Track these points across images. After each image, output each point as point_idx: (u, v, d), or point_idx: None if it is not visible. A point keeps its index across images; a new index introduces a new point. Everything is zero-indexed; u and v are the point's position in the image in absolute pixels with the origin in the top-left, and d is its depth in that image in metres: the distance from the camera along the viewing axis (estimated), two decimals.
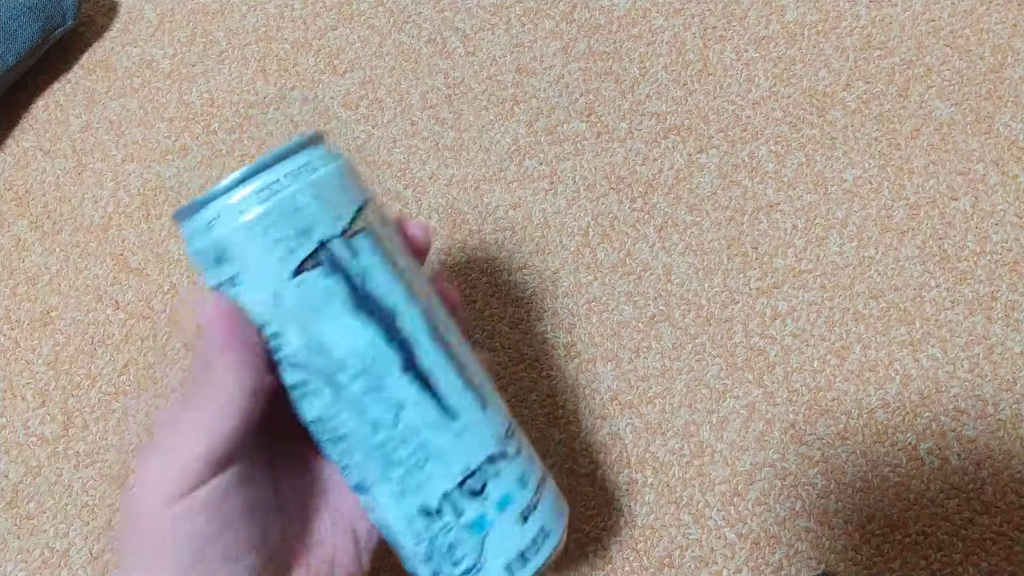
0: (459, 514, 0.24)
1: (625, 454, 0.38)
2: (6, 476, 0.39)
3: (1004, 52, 0.47)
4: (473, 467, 0.24)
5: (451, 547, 0.25)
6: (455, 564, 0.25)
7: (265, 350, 0.23)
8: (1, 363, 0.42)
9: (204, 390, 0.22)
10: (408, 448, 0.24)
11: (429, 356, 0.24)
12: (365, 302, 0.23)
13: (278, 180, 0.23)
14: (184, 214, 0.23)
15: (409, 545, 0.25)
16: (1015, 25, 0.48)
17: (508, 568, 0.25)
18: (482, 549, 0.25)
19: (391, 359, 0.23)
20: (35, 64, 0.49)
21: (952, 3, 0.49)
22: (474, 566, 0.25)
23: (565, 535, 0.27)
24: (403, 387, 0.24)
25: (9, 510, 0.39)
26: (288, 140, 0.24)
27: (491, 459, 0.25)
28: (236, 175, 0.22)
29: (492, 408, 0.26)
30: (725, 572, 0.36)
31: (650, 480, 0.38)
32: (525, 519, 0.25)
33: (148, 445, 0.22)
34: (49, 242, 0.45)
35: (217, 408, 0.22)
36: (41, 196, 0.47)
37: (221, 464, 0.22)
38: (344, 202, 0.24)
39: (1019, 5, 0.48)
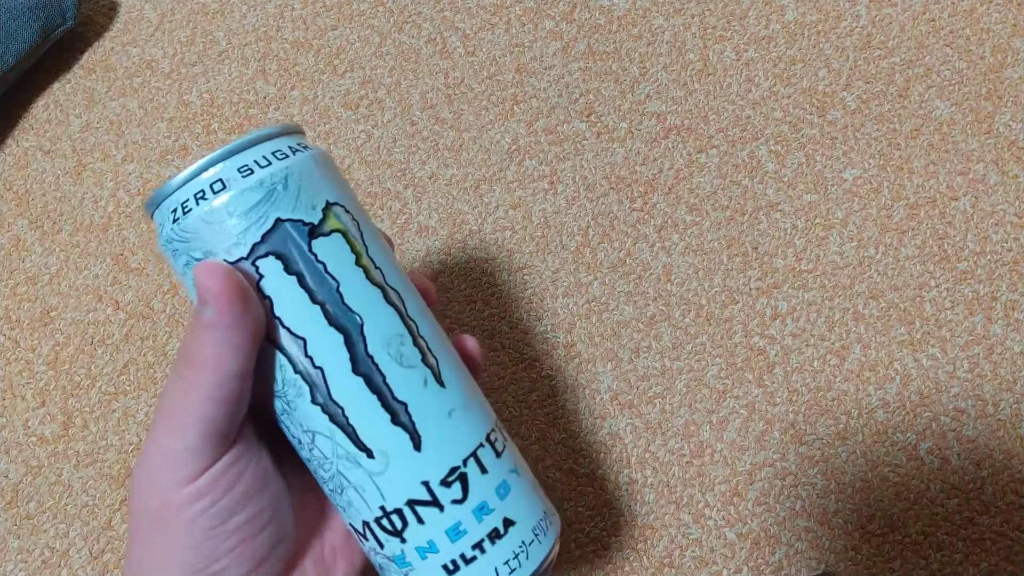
0: (380, 545, 0.23)
1: (625, 454, 0.38)
2: (6, 476, 0.39)
3: (1004, 52, 0.47)
4: (391, 508, 0.22)
5: (381, 568, 0.24)
6: None
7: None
8: (1, 363, 0.42)
9: (195, 370, 0.21)
10: (327, 472, 0.23)
11: (343, 388, 0.22)
12: (279, 321, 0.22)
13: (247, 164, 0.22)
14: (157, 200, 0.23)
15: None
16: (1015, 25, 0.47)
17: None
18: None
19: (300, 387, 0.22)
20: (35, 64, 0.49)
21: (952, 3, 0.48)
22: None
23: None
24: (314, 418, 0.22)
25: (9, 510, 0.39)
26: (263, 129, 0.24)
27: (412, 504, 0.22)
28: (203, 160, 0.22)
29: (433, 447, 0.23)
30: (725, 572, 0.36)
31: (650, 480, 0.38)
32: (451, 571, 0.23)
33: (151, 433, 0.22)
34: (49, 242, 0.45)
35: (210, 389, 0.21)
36: (41, 196, 0.47)
37: (221, 446, 0.22)
38: (311, 197, 0.22)
39: (1019, 5, 0.48)
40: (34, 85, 0.50)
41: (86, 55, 0.51)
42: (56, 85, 0.50)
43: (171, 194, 0.22)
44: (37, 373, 0.42)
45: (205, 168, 0.22)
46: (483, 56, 0.49)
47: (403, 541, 0.23)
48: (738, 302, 0.41)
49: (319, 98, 0.48)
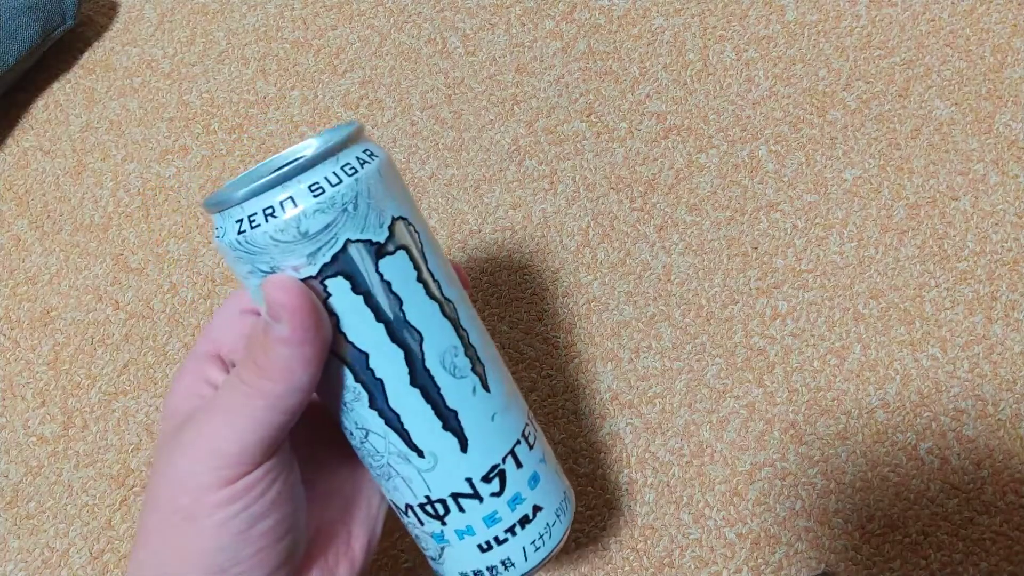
0: (420, 522, 0.26)
1: (625, 454, 0.38)
2: (6, 476, 0.39)
3: (1004, 52, 0.47)
4: (435, 498, 0.25)
5: (417, 538, 0.27)
6: (424, 549, 0.27)
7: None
8: (1, 363, 0.42)
9: (264, 379, 0.21)
10: (377, 462, 0.25)
11: (401, 398, 0.23)
12: (343, 335, 0.23)
13: (321, 180, 0.22)
14: (221, 205, 0.22)
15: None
16: (1015, 25, 0.48)
17: None
18: (442, 554, 0.26)
19: (359, 393, 0.23)
20: (35, 64, 0.49)
21: (952, 3, 0.49)
22: (436, 559, 0.27)
23: (543, 560, 0.26)
24: (370, 420, 0.24)
25: (9, 510, 0.39)
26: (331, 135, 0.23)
27: (456, 496, 0.25)
28: (278, 175, 0.21)
29: (478, 448, 0.25)
30: (725, 572, 0.36)
31: (650, 480, 0.38)
32: (484, 550, 0.25)
33: (194, 429, 0.22)
34: (49, 242, 0.45)
35: (277, 399, 0.21)
36: (41, 196, 0.47)
37: (268, 454, 0.22)
38: (378, 214, 0.22)
39: (1019, 5, 0.48)
40: (34, 85, 0.50)
41: (86, 55, 0.51)
42: (56, 85, 0.50)
43: (238, 204, 0.22)
44: (37, 373, 0.42)
45: (277, 184, 0.21)
46: (483, 56, 0.49)
47: (443, 524, 0.25)
48: (738, 302, 0.41)
49: (319, 98, 0.48)
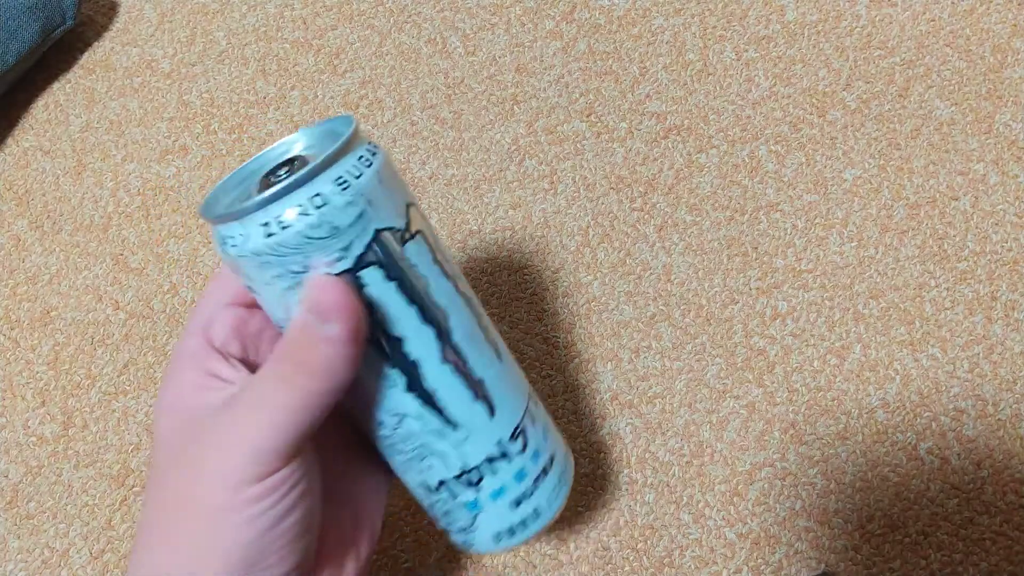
0: (454, 496, 0.27)
1: (625, 454, 0.38)
2: (6, 476, 0.39)
3: (1004, 52, 0.47)
4: (470, 467, 0.26)
5: (447, 513, 0.27)
6: (451, 524, 0.28)
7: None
8: (1, 363, 0.42)
9: (309, 376, 0.22)
10: (409, 445, 0.25)
11: (435, 376, 0.24)
12: (378, 324, 0.23)
13: (331, 186, 0.22)
14: (242, 212, 0.22)
15: (420, 500, 0.28)
16: (1015, 25, 0.48)
17: (497, 537, 0.27)
18: (475, 521, 0.27)
19: (394, 379, 0.24)
20: (35, 64, 0.49)
21: (952, 3, 0.49)
22: (467, 528, 0.28)
23: (562, 505, 0.29)
24: (406, 403, 0.24)
25: (9, 510, 0.39)
26: (328, 135, 0.24)
27: (490, 460, 0.26)
28: (284, 184, 0.21)
29: (503, 412, 0.26)
30: (725, 572, 0.36)
31: (650, 480, 0.38)
32: (518, 504, 0.27)
33: (229, 424, 0.22)
34: (49, 242, 0.45)
35: (319, 396, 0.22)
36: (41, 196, 0.47)
37: (300, 450, 0.22)
38: (396, 202, 0.23)
39: (1019, 5, 0.48)
40: (34, 85, 0.50)
41: (86, 55, 0.51)
42: (56, 85, 0.50)
43: (263, 207, 0.21)
44: (37, 373, 0.42)
45: (305, 183, 0.21)
46: (483, 56, 0.49)
47: (478, 491, 0.26)
48: (738, 302, 0.41)
49: (319, 98, 0.48)
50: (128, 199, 0.46)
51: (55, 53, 0.50)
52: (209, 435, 0.22)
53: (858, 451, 0.38)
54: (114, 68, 0.50)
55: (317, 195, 0.21)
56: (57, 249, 0.45)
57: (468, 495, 0.27)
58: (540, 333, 0.41)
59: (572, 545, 0.37)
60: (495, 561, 0.37)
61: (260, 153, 0.25)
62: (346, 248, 0.22)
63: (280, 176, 0.23)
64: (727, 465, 0.38)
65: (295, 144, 0.25)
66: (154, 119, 0.48)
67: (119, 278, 0.44)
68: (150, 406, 0.41)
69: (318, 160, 0.22)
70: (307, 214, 0.21)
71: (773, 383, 0.39)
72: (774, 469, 0.38)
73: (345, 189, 0.22)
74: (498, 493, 0.27)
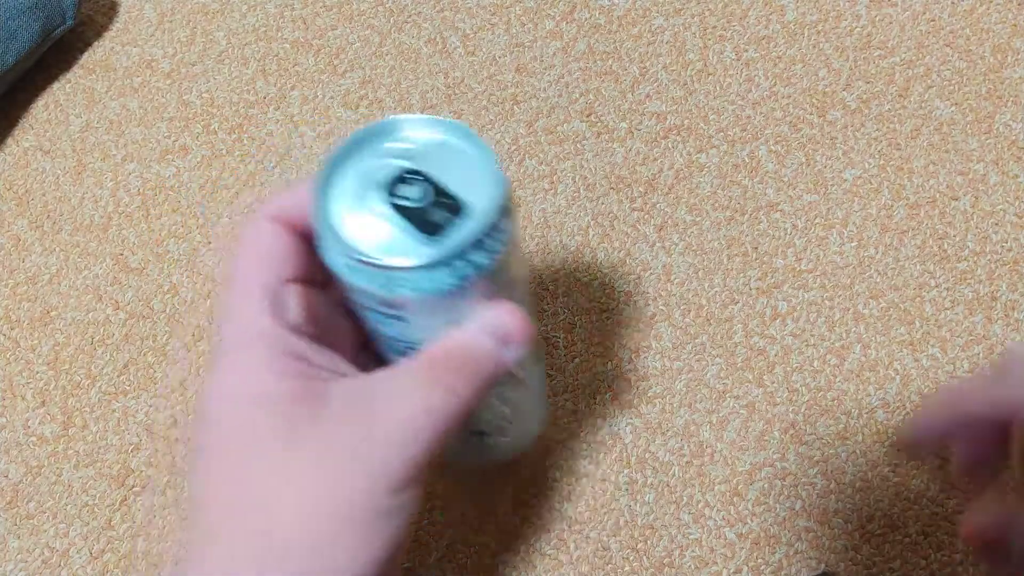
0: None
1: (625, 454, 0.38)
2: (6, 476, 0.39)
3: (1004, 52, 0.47)
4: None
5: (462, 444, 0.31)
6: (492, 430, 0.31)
7: None
8: (1, 363, 0.42)
9: (472, 392, 0.23)
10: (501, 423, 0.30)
11: (532, 369, 0.30)
12: None
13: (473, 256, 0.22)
14: (370, 269, 0.22)
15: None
16: (1015, 25, 0.48)
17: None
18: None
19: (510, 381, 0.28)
20: (35, 64, 0.49)
21: (952, 3, 0.49)
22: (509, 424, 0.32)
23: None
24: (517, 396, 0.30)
25: (9, 510, 0.39)
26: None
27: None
28: (431, 256, 0.21)
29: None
30: (725, 572, 0.36)
31: (650, 480, 0.38)
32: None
33: (365, 419, 0.21)
34: (49, 242, 0.45)
35: (466, 412, 0.23)
36: (41, 196, 0.47)
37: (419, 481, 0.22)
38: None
39: (1019, 5, 0.48)
40: (34, 85, 0.50)
41: (86, 55, 0.51)
42: (56, 85, 0.50)
43: (451, 261, 0.22)
44: (37, 373, 0.42)
45: (489, 232, 0.22)
46: (483, 56, 0.49)
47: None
48: (738, 302, 0.41)
49: (319, 98, 0.48)
50: (128, 199, 0.46)
51: (55, 53, 0.50)
52: (336, 433, 0.21)
53: (858, 451, 0.38)
54: (114, 68, 0.50)
55: (497, 248, 0.23)
56: (57, 249, 0.45)
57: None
58: (540, 333, 0.41)
59: (572, 545, 0.37)
60: (495, 561, 0.37)
61: (361, 134, 0.24)
62: (505, 288, 0.24)
63: (421, 201, 0.23)
64: (727, 465, 0.38)
65: (407, 137, 0.24)
66: (154, 119, 0.48)
67: (119, 278, 0.44)
68: (150, 406, 0.41)
69: (496, 205, 0.22)
70: (491, 258, 0.22)
71: (773, 383, 0.39)
72: (774, 469, 0.38)
73: (510, 240, 0.23)
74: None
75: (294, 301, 0.23)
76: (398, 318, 0.23)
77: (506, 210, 0.23)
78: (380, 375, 0.23)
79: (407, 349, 0.25)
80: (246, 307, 0.23)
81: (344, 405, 0.22)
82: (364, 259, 0.22)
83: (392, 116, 0.24)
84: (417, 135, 0.24)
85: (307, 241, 0.24)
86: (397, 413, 0.21)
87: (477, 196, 0.23)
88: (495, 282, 0.23)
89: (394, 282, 0.22)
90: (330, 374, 0.23)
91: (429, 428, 0.21)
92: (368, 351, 0.27)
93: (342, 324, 0.25)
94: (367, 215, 0.23)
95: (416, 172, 0.23)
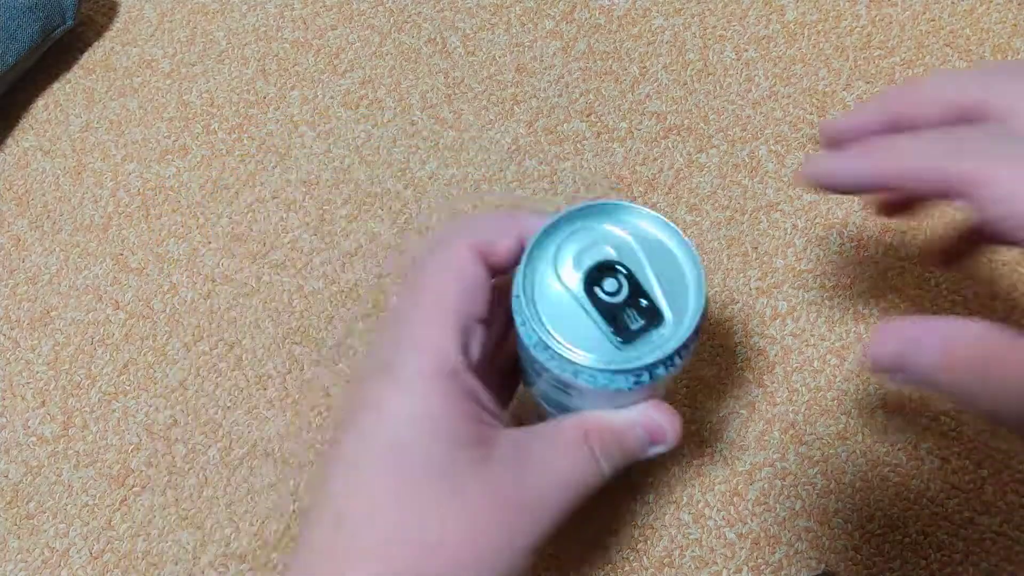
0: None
1: None
2: (6, 476, 0.39)
3: (1004, 52, 0.47)
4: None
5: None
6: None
7: None
8: (1, 363, 0.42)
9: (607, 467, 0.25)
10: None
11: None
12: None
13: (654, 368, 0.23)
14: (555, 352, 0.23)
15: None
16: (1015, 25, 0.48)
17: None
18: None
19: None
20: (35, 64, 0.49)
21: (952, 3, 0.49)
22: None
23: None
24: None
25: (9, 510, 0.39)
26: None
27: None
28: (617, 364, 0.23)
29: None
30: (725, 572, 0.36)
31: (650, 480, 0.38)
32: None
33: (517, 476, 0.23)
34: (49, 242, 0.45)
35: (594, 489, 0.25)
36: (41, 196, 0.47)
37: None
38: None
39: (1019, 5, 0.48)
40: (34, 85, 0.50)
41: (86, 55, 0.51)
42: (56, 85, 0.50)
43: (642, 373, 0.23)
44: (37, 373, 0.42)
45: (695, 337, 0.24)
46: (483, 56, 0.49)
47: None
48: (738, 302, 0.41)
49: (319, 98, 0.48)
50: (128, 199, 0.46)
51: (55, 53, 0.50)
52: (499, 485, 0.23)
53: (858, 451, 0.38)
54: (114, 68, 0.50)
55: (680, 356, 0.23)
56: (57, 249, 0.45)
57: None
58: None
59: (572, 545, 0.37)
60: None
61: (585, 208, 0.24)
62: (665, 385, 0.25)
63: (625, 302, 0.23)
64: (727, 465, 0.38)
65: (626, 222, 0.25)
66: (154, 119, 0.48)
67: (119, 278, 0.44)
68: (150, 406, 0.41)
69: (694, 327, 0.23)
70: (670, 372, 0.24)
71: (773, 383, 0.39)
72: (774, 469, 0.38)
73: (692, 354, 0.25)
74: None
75: (476, 341, 0.24)
76: (566, 392, 0.24)
77: (700, 330, 0.24)
78: (540, 432, 0.24)
79: (564, 410, 0.26)
80: (441, 338, 0.23)
81: (507, 457, 0.23)
82: (552, 345, 0.23)
83: (619, 200, 0.25)
84: (636, 224, 0.25)
85: (491, 277, 0.25)
86: (550, 477, 0.23)
87: (676, 309, 0.23)
88: (664, 385, 0.25)
89: (574, 370, 0.23)
90: (492, 418, 0.24)
91: (572, 495, 0.24)
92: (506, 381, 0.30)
93: (496, 361, 0.28)
94: (565, 293, 0.23)
95: (621, 265, 0.24)
